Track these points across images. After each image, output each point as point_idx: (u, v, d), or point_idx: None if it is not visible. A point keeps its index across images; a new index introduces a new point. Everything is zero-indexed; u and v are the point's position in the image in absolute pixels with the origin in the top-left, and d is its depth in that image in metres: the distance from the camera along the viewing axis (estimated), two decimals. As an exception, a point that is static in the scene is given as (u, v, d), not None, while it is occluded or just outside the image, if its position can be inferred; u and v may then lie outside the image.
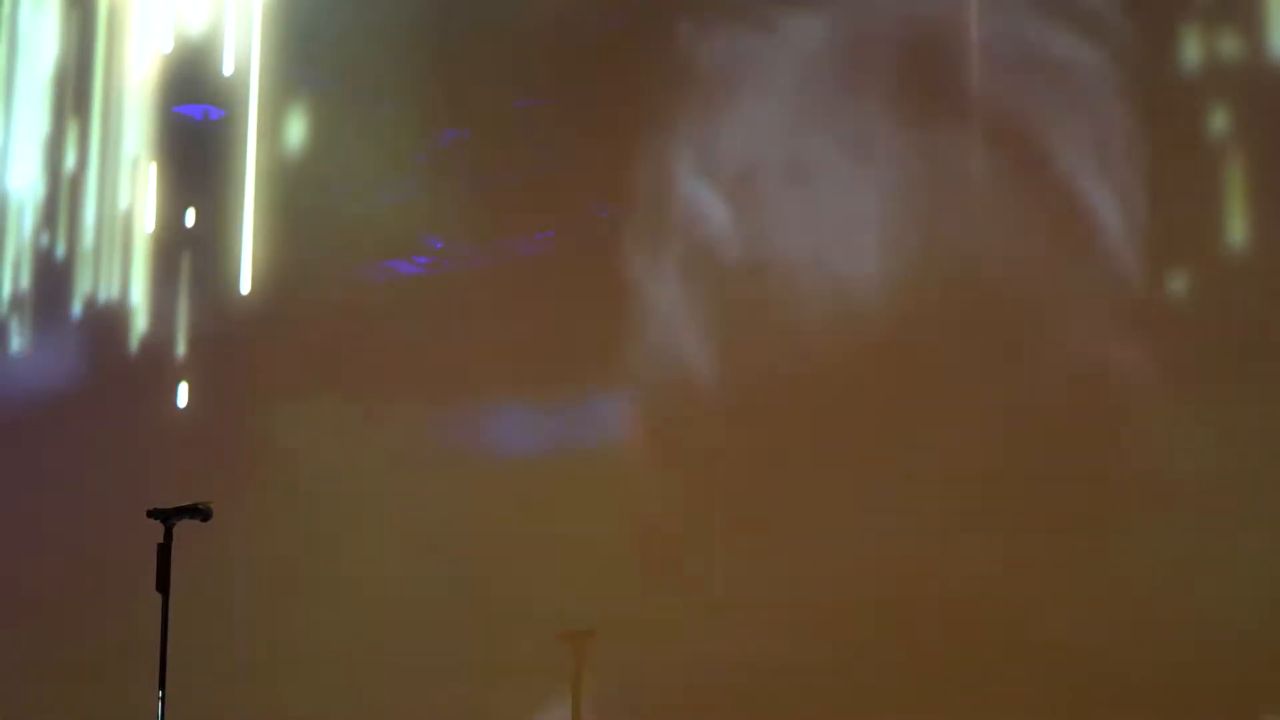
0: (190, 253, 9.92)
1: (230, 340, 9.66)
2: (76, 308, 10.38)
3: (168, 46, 10.18)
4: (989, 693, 7.11)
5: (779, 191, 8.18)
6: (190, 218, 9.97)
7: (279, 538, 9.26)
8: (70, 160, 10.60)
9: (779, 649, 7.67)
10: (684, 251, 8.36)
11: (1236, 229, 6.94)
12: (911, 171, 7.79)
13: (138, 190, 10.28)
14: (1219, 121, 7.03)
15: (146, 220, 10.22)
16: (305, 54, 9.61)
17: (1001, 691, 7.11)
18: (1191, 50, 7.08)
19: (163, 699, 7.30)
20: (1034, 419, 7.28)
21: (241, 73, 9.80)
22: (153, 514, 7.41)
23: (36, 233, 10.65)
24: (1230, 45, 7.02)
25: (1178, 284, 7.03)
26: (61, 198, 10.57)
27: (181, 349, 9.82)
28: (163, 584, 7.32)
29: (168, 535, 7.36)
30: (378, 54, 9.27)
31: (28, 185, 10.82)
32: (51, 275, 10.55)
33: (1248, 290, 6.87)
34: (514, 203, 8.75)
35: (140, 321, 10.08)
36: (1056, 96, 7.36)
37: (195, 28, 10.07)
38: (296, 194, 9.49)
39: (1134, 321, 7.06)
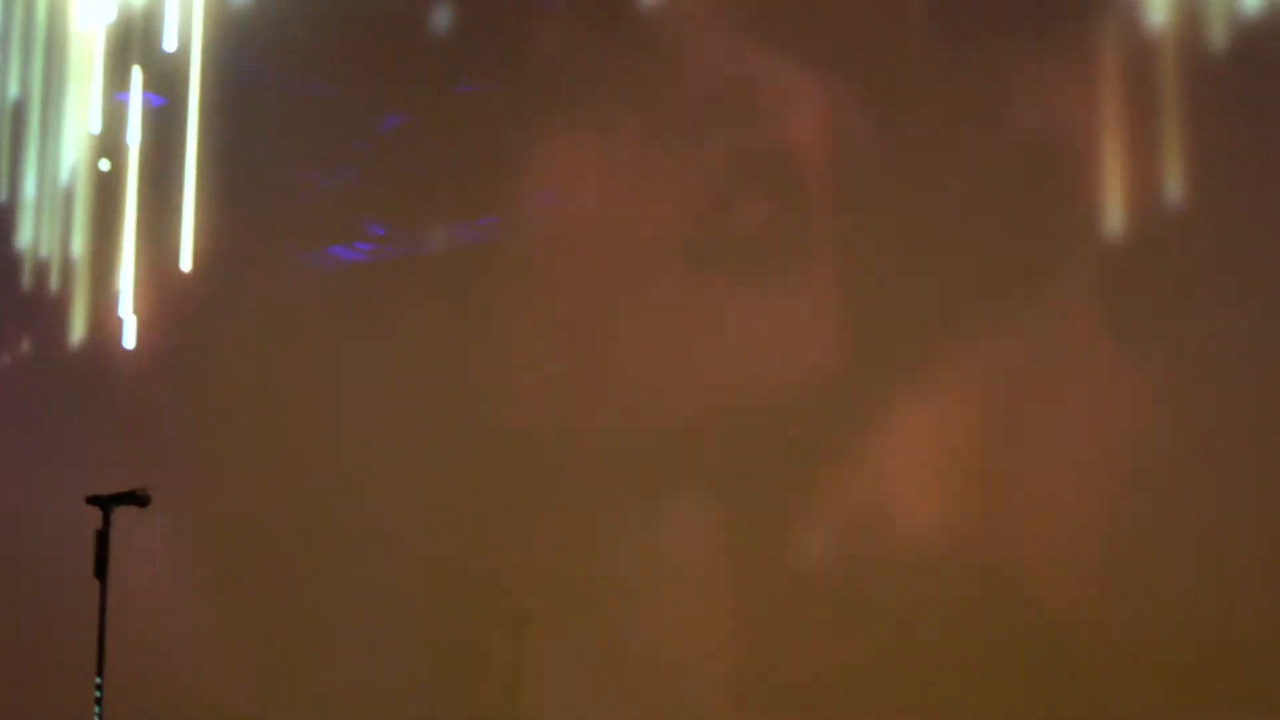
0: (132, 231, 9.87)
1: (172, 326, 9.62)
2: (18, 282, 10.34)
3: (110, 18, 10.11)
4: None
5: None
6: (131, 195, 9.92)
7: (223, 522, 9.28)
8: (8, 135, 10.53)
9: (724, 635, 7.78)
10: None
11: (1174, 179, 7.10)
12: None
13: (79, 170, 10.22)
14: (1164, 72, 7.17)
15: (87, 200, 10.16)
16: (247, 35, 9.55)
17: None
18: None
19: (100, 686, 7.30)
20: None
21: (183, 50, 9.74)
22: (91, 500, 7.40)
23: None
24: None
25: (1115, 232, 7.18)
26: (2, 171, 10.51)
27: (126, 331, 9.78)
28: (101, 570, 7.31)
29: (106, 521, 7.35)
30: (320, 37, 9.25)
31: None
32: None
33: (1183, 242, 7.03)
34: (457, 189, 8.74)
35: (81, 306, 10.03)
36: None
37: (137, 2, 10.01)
38: (237, 178, 9.45)
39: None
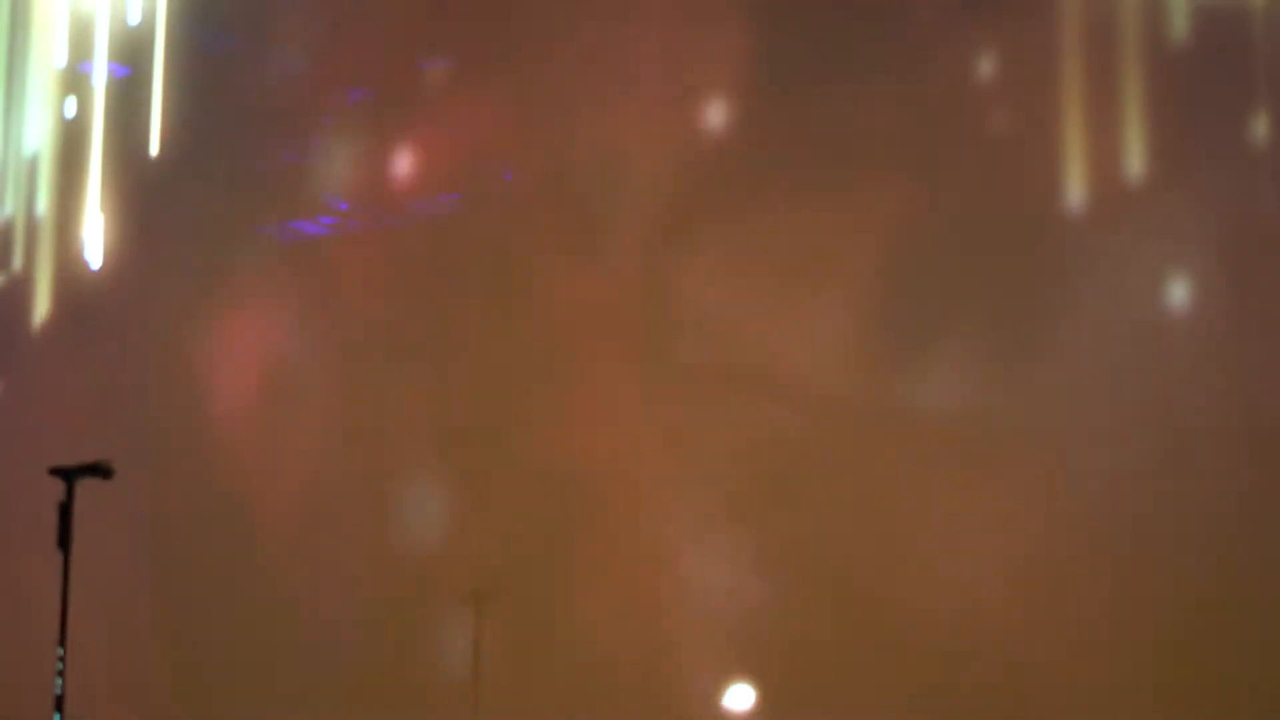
0: (97, 193, 9.83)
1: (132, 297, 9.60)
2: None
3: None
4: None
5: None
6: (96, 160, 9.88)
7: (182, 494, 9.28)
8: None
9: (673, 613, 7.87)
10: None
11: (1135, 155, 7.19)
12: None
13: (44, 137, 10.17)
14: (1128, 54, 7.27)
15: (52, 164, 10.11)
16: (211, 9, 9.52)
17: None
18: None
19: (63, 656, 7.29)
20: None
21: (147, 25, 9.70)
22: (54, 472, 7.36)
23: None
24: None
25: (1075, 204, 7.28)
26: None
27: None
28: (64, 541, 7.29)
29: (69, 493, 7.32)
30: (285, 13, 9.22)
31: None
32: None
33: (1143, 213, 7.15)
34: (419, 164, 8.75)
35: (45, 269, 10.00)
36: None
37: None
38: (201, 150, 9.43)
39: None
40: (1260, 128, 7.27)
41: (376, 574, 8.60)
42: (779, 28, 8.02)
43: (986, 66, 7.60)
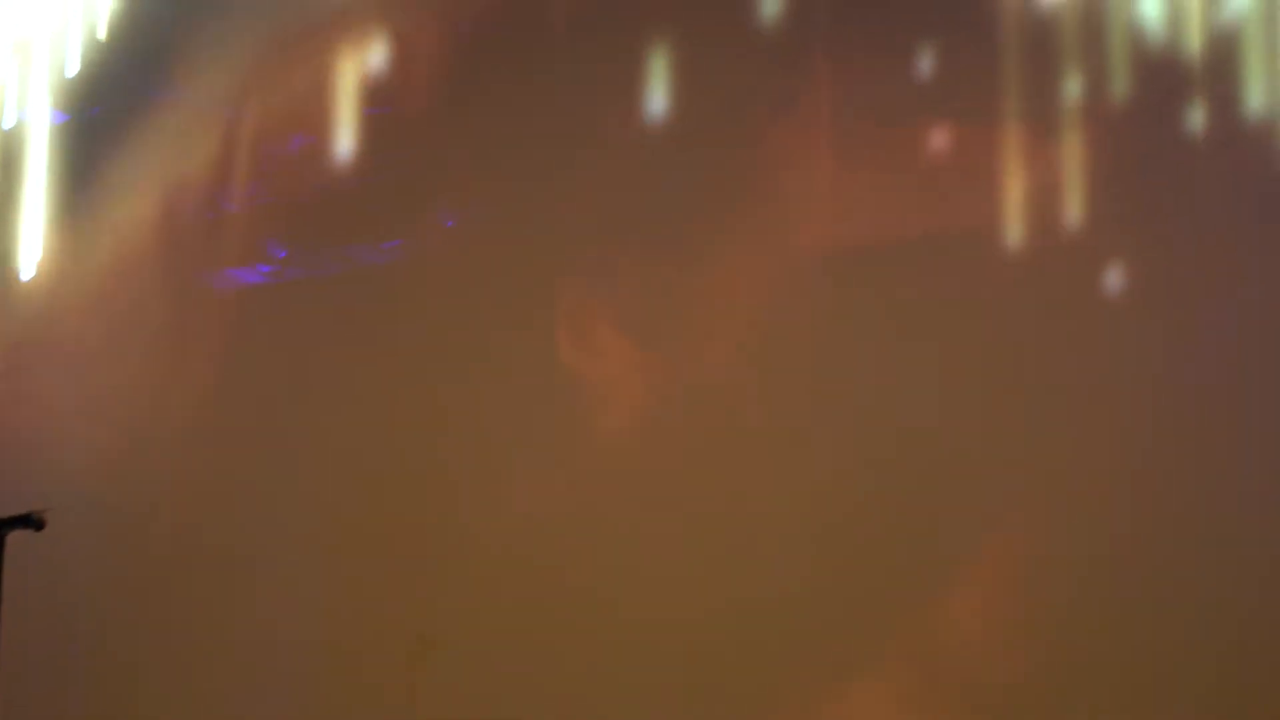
0: (40, 237, 9.77)
1: (72, 347, 9.55)
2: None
3: (15, 39, 10.02)
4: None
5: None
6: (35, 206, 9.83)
7: (121, 544, 9.20)
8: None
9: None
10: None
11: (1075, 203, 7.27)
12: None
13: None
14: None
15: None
16: (150, 56, 9.51)
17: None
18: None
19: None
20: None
21: (86, 72, 9.68)
22: (-18, 524, 7.26)
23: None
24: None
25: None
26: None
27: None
28: (-7, 595, 7.19)
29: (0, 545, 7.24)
30: (224, 58, 9.22)
31: None
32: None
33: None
34: (361, 211, 8.76)
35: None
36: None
37: (40, 25, 9.93)
38: (139, 196, 9.40)
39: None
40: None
41: (321, 623, 8.53)
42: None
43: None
